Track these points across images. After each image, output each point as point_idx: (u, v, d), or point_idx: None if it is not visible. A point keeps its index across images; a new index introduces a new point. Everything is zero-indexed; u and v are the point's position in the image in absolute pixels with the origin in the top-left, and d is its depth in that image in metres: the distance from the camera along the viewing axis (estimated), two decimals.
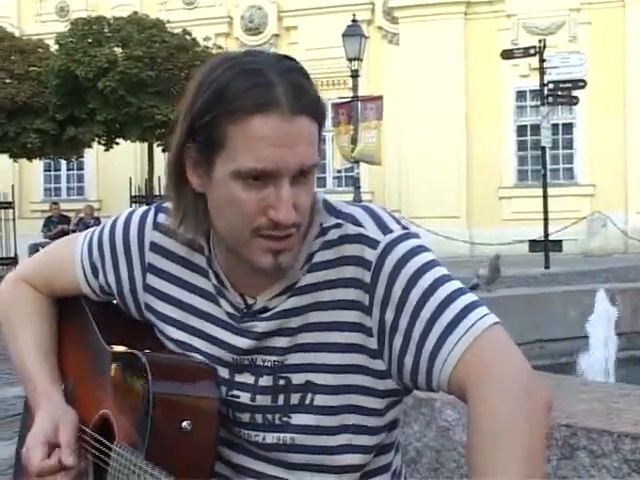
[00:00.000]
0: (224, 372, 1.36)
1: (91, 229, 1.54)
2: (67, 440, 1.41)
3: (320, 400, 1.31)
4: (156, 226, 1.43)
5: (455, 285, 1.27)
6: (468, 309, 1.23)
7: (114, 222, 1.49)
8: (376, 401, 1.32)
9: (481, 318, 1.23)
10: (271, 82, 1.22)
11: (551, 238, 16.22)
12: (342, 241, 1.32)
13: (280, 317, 1.33)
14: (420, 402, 2.32)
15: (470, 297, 1.26)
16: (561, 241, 19.40)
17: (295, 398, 1.32)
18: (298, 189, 1.25)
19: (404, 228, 1.33)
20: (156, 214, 1.44)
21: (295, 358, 1.32)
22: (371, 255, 1.29)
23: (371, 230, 1.31)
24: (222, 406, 1.35)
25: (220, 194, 1.26)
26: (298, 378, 1.32)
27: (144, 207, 1.49)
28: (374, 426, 1.33)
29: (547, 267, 15.09)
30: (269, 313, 1.33)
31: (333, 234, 1.33)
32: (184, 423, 1.28)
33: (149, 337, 1.43)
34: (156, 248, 1.42)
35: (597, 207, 19.68)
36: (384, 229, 1.31)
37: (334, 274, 1.31)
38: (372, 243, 1.30)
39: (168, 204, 1.38)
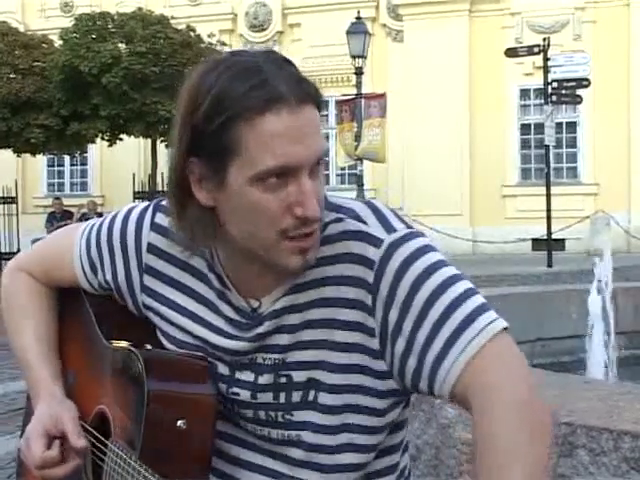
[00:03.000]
0: (224, 369, 1.36)
1: (89, 222, 1.52)
2: (72, 427, 1.40)
3: (323, 398, 1.30)
4: (154, 227, 1.40)
5: (463, 286, 1.24)
6: (475, 313, 1.21)
7: (112, 220, 1.47)
8: (377, 401, 1.30)
9: (489, 324, 1.20)
10: (270, 78, 1.20)
11: (554, 237, 16.18)
12: (342, 237, 1.29)
13: (276, 316, 1.31)
14: (420, 400, 2.32)
15: (478, 299, 1.23)
16: (564, 240, 19.37)
17: (297, 396, 1.31)
18: (314, 181, 1.23)
19: (408, 227, 1.29)
20: (154, 214, 1.42)
21: (296, 355, 1.31)
22: (374, 254, 1.26)
23: (374, 227, 1.28)
24: (226, 402, 1.35)
25: (239, 203, 1.22)
26: (299, 375, 1.31)
27: (143, 205, 1.46)
28: (374, 426, 1.32)
29: (550, 266, 15.06)
30: (266, 312, 1.32)
31: (332, 229, 1.29)
32: (179, 422, 1.27)
33: (148, 331, 1.43)
34: (153, 249, 1.40)
35: (600, 206, 19.63)
36: (388, 227, 1.28)
37: (334, 271, 1.29)
38: (375, 241, 1.27)
39: (168, 208, 1.34)
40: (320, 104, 1.26)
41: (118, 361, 1.38)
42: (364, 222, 1.29)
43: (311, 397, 1.31)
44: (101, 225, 1.48)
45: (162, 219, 1.39)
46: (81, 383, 1.50)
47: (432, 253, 1.26)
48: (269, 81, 1.20)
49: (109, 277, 1.45)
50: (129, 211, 1.46)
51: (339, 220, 1.30)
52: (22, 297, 1.55)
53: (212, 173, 1.23)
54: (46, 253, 1.57)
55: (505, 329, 1.21)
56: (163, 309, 1.40)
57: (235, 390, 1.35)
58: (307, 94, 1.23)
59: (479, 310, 1.22)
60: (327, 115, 21.21)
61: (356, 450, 1.32)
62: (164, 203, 1.41)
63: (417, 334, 1.23)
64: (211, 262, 1.36)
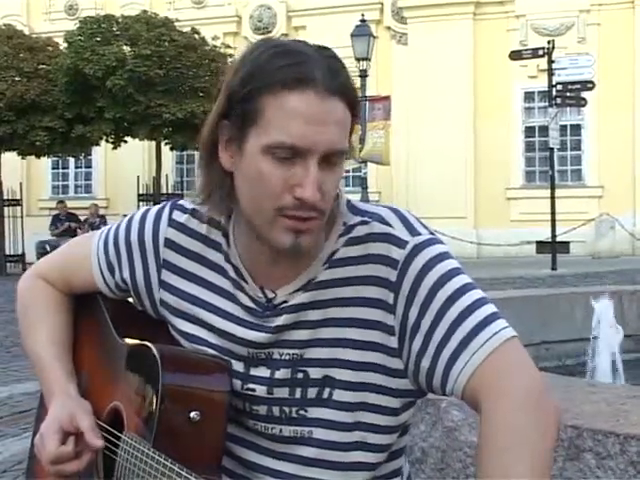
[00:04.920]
0: (239, 366, 1.37)
1: (107, 227, 1.56)
2: (88, 425, 1.42)
3: (338, 395, 1.33)
4: (171, 223, 1.44)
5: (479, 294, 1.29)
6: (490, 319, 1.25)
7: (130, 219, 1.50)
8: (391, 400, 1.33)
9: (502, 330, 1.24)
10: (309, 61, 1.25)
11: (558, 239, 16.19)
12: (369, 239, 1.32)
13: (297, 310, 1.34)
14: (426, 402, 2.32)
15: (492, 307, 1.28)
16: (568, 242, 19.36)
17: (312, 392, 1.34)
18: (325, 174, 1.26)
19: (431, 233, 1.34)
20: (171, 211, 1.46)
21: (314, 352, 1.33)
22: (398, 254, 1.30)
23: (398, 230, 1.32)
24: (238, 400, 1.37)
25: (249, 169, 1.27)
26: (316, 372, 1.33)
27: (159, 205, 1.50)
28: (388, 425, 1.34)
29: (554, 268, 15.06)
30: (285, 305, 1.35)
31: (359, 231, 1.33)
32: (192, 413, 1.29)
33: (163, 335, 1.44)
34: (171, 244, 1.44)
35: (605, 209, 19.63)
36: (412, 230, 1.32)
37: (357, 271, 1.32)
38: (400, 242, 1.30)
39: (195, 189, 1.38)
40: (353, 109, 1.28)
41: (133, 357, 1.41)
42: (390, 225, 1.33)
43: (326, 394, 1.33)
44: (118, 227, 1.52)
45: (179, 216, 1.44)
46: (95, 383, 1.53)
47: (452, 260, 1.31)
48: (306, 63, 1.25)
49: (126, 275, 1.48)
50: (146, 211, 1.50)
51: (365, 223, 1.34)
52: (38, 302, 1.58)
53: (236, 136, 1.28)
54: (63, 259, 1.60)
55: (515, 337, 1.25)
56: (181, 303, 1.43)
57: (251, 386, 1.37)
58: (340, 88, 1.26)
59: (493, 317, 1.26)
60: None
61: (368, 449, 1.34)
62: (181, 202, 1.46)
63: (434, 332, 1.26)
64: (228, 252, 1.39)
